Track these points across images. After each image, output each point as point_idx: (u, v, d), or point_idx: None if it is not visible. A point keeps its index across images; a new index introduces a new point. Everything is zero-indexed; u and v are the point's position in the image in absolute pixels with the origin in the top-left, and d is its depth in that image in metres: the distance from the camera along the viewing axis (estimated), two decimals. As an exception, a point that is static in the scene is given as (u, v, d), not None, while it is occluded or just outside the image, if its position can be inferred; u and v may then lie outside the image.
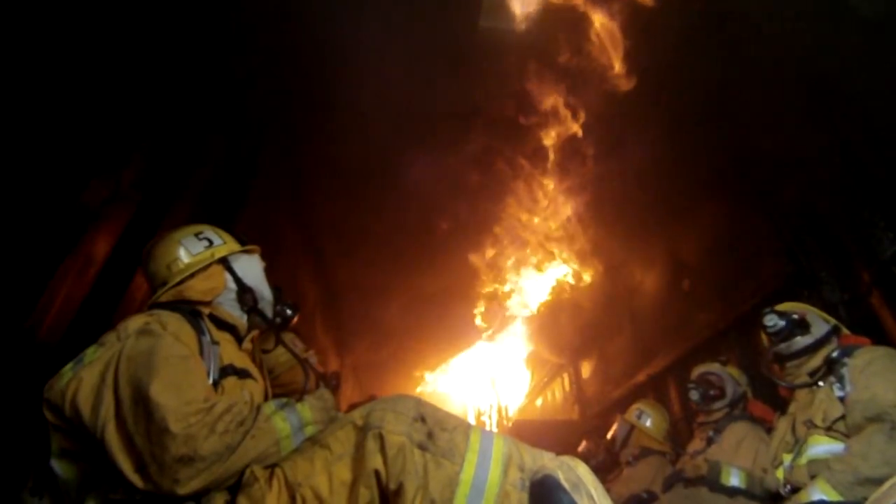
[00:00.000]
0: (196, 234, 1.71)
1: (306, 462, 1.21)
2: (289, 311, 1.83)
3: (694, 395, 3.12)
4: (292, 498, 1.16)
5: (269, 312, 1.76)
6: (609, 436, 4.03)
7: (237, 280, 1.69)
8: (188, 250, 1.66)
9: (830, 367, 2.12)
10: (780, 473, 2.14)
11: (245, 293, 1.69)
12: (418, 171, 6.63)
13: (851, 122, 3.03)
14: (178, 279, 1.60)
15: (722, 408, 3.04)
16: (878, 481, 1.58)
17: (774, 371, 2.44)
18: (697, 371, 3.25)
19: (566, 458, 1.21)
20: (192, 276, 1.62)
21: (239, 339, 1.66)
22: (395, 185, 6.64)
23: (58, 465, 1.29)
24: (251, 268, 1.77)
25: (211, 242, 1.70)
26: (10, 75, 2.06)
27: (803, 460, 2.03)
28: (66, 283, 2.29)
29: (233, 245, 1.75)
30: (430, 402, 1.32)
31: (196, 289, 1.60)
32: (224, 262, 1.69)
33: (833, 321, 2.34)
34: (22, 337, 2.05)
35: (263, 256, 1.85)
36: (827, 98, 3.18)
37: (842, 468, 1.82)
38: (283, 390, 2.04)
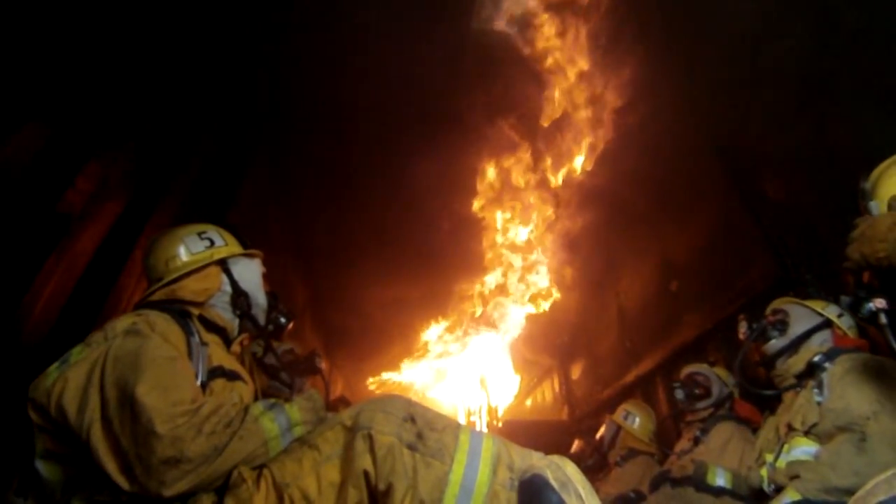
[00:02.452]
0: (199, 234, 1.71)
1: (294, 463, 1.21)
2: (282, 320, 1.84)
3: (679, 395, 3.17)
4: (280, 499, 1.16)
5: (261, 319, 1.76)
6: (598, 436, 4.05)
7: (233, 283, 1.69)
8: (188, 248, 1.66)
9: (812, 372, 2.12)
10: (763, 472, 2.16)
11: (239, 297, 1.69)
12: (410, 174, 6.66)
13: (839, 126, 3.07)
14: (173, 276, 1.60)
15: (707, 407, 3.08)
16: (847, 491, 1.59)
17: (753, 373, 2.44)
18: (685, 371, 3.29)
19: (555, 458, 1.22)
20: (187, 274, 1.61)
21: (227, 342, 1.65)
22: (386, 188, 6.65)
23: (42, 466, 1.28)
24: (249, 272, 1.76)
25: (212, 243, 1.69)
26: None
27: (783, 462, 2.05)
28: (51, 282, 2.26)
29: (234, 248, 1.74)
30: (420, 403, 1.32)
31: (189, 288, 1.59)
32: (222, 263, 1.69)
33: (826, 315, 2.28)
34: (6, 336, 2.02)
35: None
36: (816, 102, 3.22)
37: (811, 477, 1.83)
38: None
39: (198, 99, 3.46)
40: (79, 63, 2.42)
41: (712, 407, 3.08)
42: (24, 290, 2.13)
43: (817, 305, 2.34)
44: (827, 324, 2.26)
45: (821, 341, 2.23)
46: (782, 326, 2.30)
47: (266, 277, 1.83)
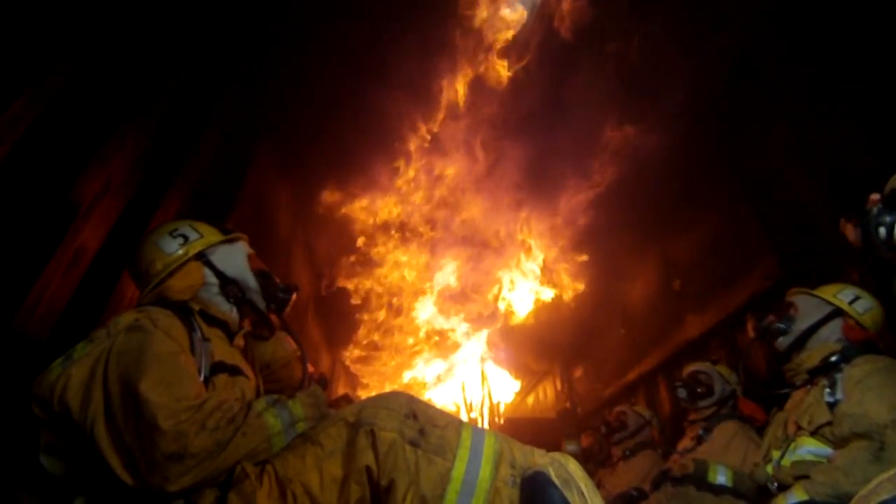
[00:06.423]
0: (171, 232, 1.68)
1: (297, 459, 1.21)
2: (281, 295, 1.77)
3: (681, 393, 3.18)
4: (283, 494, 1.16)
5: (259, 301, 1.73)
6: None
7: (218, 273, 1.66)
8: (163, 250, 1.64)
9: (826, 370, 2.05)
10: (769, 469, 2.14)
11: (228, 285, 1.66)
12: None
13: (844, 124, 3.06)
14: (156, 281, 1.59)
15: (710, 405, 3.08)
16: None
17: (760, 371, 2.40)
18: (688, 370, 3.29)
19: (557, 455, 1.22)
20: (170, 275, 1.60)
21: (230, 336, 1.65)
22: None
23: (46, 461, 1.29)
24: (232, 258, 1.72)
25: (186, 238, 1.67)
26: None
27: (788, 460, 2.03)
28: (55, 279, 2.26)
29: (211, 237, 1.71)
30: (422, 399, 1.33)
31: (174, 288, 1.58)
32: (201, 256, 1.66)
33: (837, 302, 2.16)
34: (10, 332, 2.03)
35: (257, 248, 1.82)
36: (819, 101, 3.21)
37: (823, 480, 1.80)
38: (278, 386, 2.03)
39: (205, 93, 3.45)
40: (89, 57, 2.42)
41: (715, 405, 3.08)
42: (28, 287, 2.13)
43: (829, 292, 2.23)
44: (837, 312, 2.16)
45: (830, 333, 2.14)
46: (788, 322, 2.22)
47: (254, 257, 1.79)
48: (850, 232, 1.74)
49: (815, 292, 2.25)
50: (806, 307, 2.23)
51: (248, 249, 1.81)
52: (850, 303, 2.17)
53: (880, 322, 2.16)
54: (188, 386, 1.25)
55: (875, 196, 1.52)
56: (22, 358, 1.99)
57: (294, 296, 1.80)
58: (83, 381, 1.24)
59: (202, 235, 1.70)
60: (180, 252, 1.64)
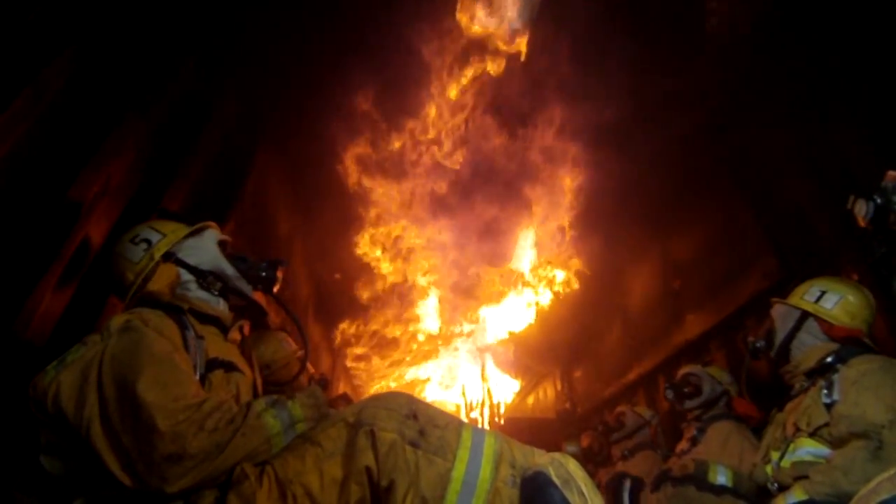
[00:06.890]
0: (132, 240, 1.66)
1: (297, 459, 1.21)
2: (264, 273, 1.73)
3: (668, 394, 3.26)
4: (283, 495, 1.16)
5: (243, 287, 1.70)
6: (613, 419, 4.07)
7: (191, 269, 1.64)
8: (129, 260, 1.62)
9: (823, 371, 2.05)
10: (768, 469, 2.15)
11: (206, 278, 1.64)
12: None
13: (843, 124, 3.06)
14: (132, 292, 1.59)
15: (697, 406, 3.11)
16: None
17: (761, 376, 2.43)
18: (681, 372, 3.32)
19: (557, 455, 1.22)
20: (145, 281, 1.59)
21: (224, 331, 1.64)
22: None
23: (46, 461, 1.28)
24: (202, 250, 1.69)
25: (149, 243, 1.64)
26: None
27: (788, 461, 2.03)
28: (54, 280, 2.26)
29: (174, 235, 1.68)
30: (422, 400, 1.33)
31: (154, 292, 1.57)
32: (169, 256, 1.64)
33: (803, 305, 2.17)
34: (10, 334, 2.02)
35: (258, 248, 1.79)
36: (818, 101, 3.21)
37: (822, 479, 1.81)
38: (277, 387, 2.02)
39: (205, 90, 3.44)
40: (92, 53, 2.41)
41: (702, 406, 3.11)
42: (28, 291, 2.13)
43: (797, 295, 2.25)
44: (805, 315, 2.19)
45: (807, 336, 2.17)
46: (769, 337, 2.26)
47: (229, 243, 1.76)
48: (860, 207, 1.75)
49: (786, 300, 2.28)
50: (780, 318, 2.27)
51: (220, 236, 1.77)
52: (817, 301, 2.17)
53: (861, 311, 2.14)
54: (185, 385, 1.24)
55: (893, 173, 1.54)
56: (21, 358, 1.99)
57: (280, 271, 1.75)
58: (75, 384, 1.24)
59: (164, 235, 1.67)
60: (146, 258, 1.62)
